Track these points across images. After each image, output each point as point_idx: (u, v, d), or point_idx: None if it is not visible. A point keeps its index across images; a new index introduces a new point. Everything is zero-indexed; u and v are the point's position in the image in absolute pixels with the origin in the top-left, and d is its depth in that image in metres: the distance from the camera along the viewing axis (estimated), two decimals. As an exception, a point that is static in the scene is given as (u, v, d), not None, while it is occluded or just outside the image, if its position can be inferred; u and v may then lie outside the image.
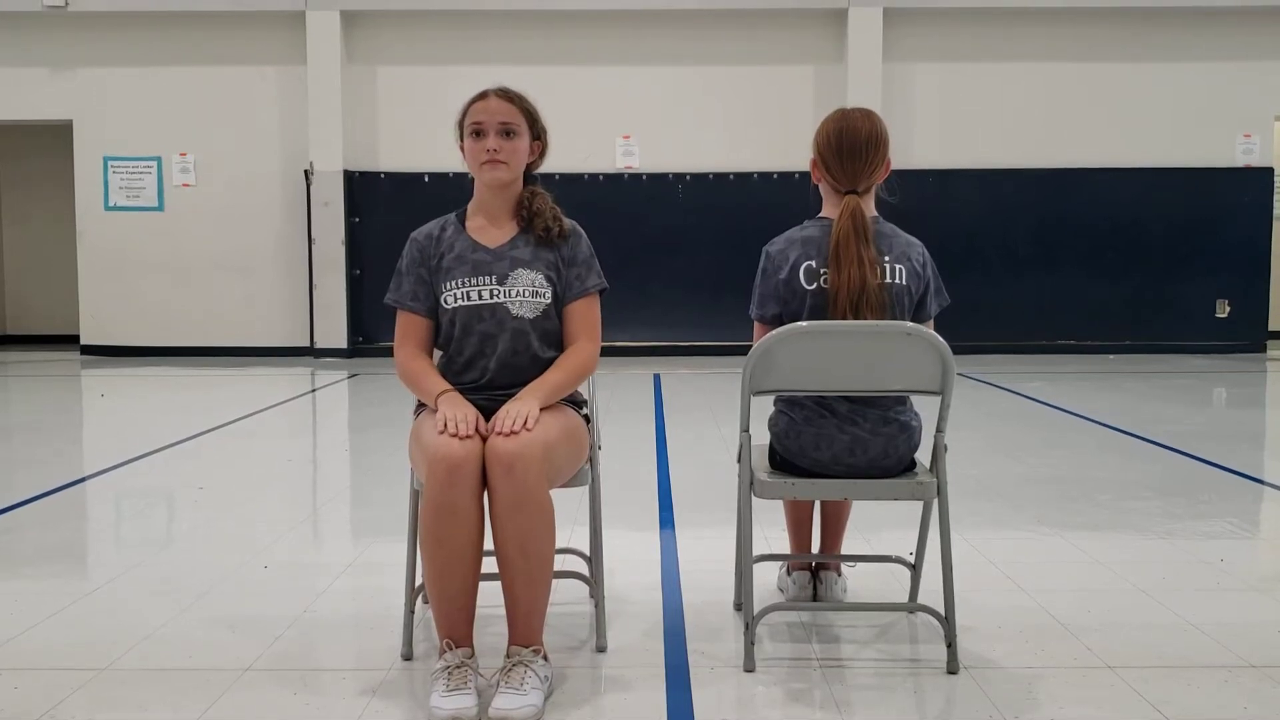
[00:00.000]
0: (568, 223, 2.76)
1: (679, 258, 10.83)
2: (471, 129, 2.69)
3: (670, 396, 7.91)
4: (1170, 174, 10.93)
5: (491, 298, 2.65)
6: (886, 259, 2.71)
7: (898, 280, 2.72)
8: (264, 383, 9.26)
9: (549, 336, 2.71)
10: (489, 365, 2.66)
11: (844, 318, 2.64)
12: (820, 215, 2.82)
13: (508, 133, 2.67)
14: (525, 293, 2.66)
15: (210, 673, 2.59)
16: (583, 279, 2.73)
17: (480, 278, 2.66)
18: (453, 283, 2.67)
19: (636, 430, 6.28)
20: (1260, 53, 10.92)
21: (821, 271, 2.71)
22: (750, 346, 2.60)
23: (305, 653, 2.76)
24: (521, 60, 10.74)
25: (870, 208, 2.80)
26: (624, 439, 5.86)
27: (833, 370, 2.58)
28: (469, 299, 2.65)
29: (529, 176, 2.80)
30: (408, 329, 2.74)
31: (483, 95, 2.70)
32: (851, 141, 2.75)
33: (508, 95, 2.71)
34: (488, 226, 2.74)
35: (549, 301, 2.68)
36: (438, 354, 2.79)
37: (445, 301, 2.67)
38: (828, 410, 2.70)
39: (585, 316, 2.74)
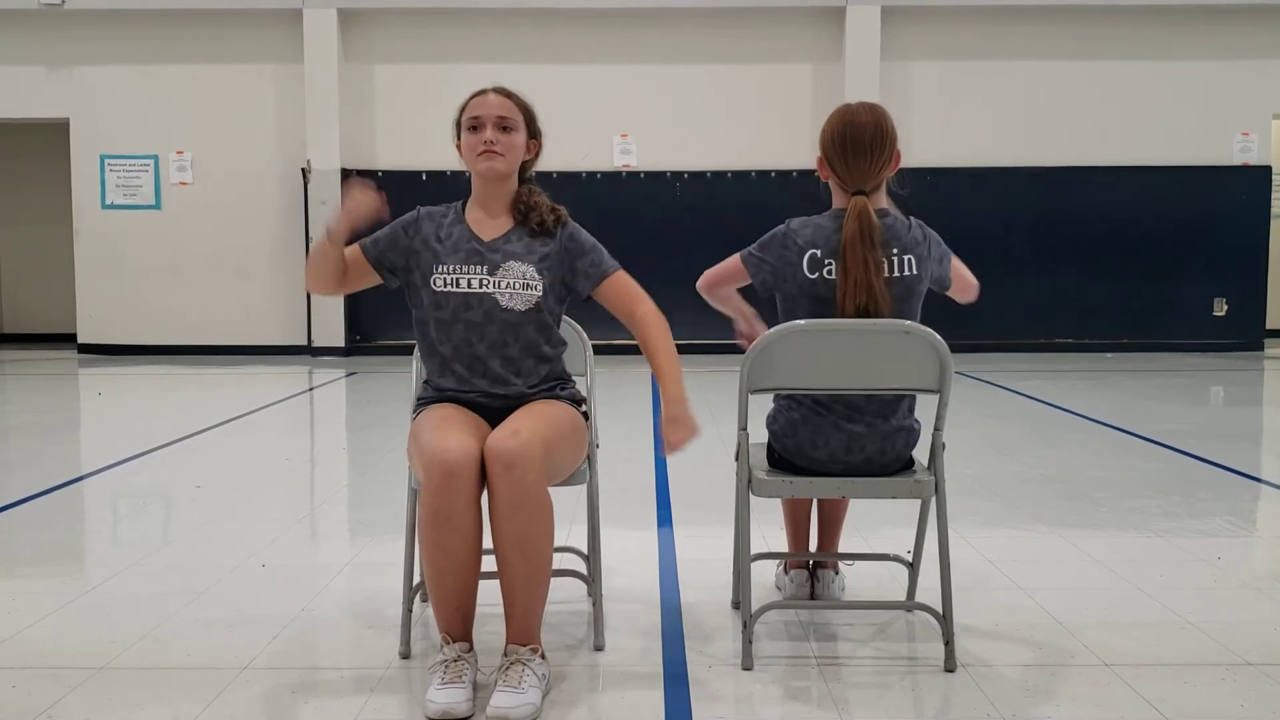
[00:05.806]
0: (563, 210, 2.77)
1: (677, 256, 10.74)
2: (469, 123, 2.71)
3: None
4: (1168, 172, 10.94)
5: (481, 287, 2.65)
6: (895, 252, 2.70)
7: (908, 272, 2.71)
8: (261, 381, 9.25)
9: (545, 331, 2.69)
10: (478, 353, 2.64)
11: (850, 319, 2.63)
12: (835, 207, 2.81)
13: (505, 127, 2.69)
14: (515, 285, 2.65)
15: (208, 672, 2.59)
16: (599, 264, 2.73)
17: (472, 266, 2.66)
18: (443, 267, 2.67)
19: (635, 428, 6.28)
20: (1258, 51, 10.93)
21: (826, 263, 2.70)
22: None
23: (303, 652, 2.76)
24: (519, 58, 10.74)
25: (880, 202, 2.78)
26: (622, 437, 5.86)
27: (831, 368, 2.58)
28: (458, 285, 2.65)
29: (525, 178, 2.81)
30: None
31: (481, 92, 2.73)
32: (856, 140, 2.72)
33: (506, 93, 2.74)
34: (484, 219, 2.75)
35: (540, 294, 2.67)
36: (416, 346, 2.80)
37: (434, 284, 2.66)
38: (824, 408, 2.70)
39: (623, 289, 2.74)
